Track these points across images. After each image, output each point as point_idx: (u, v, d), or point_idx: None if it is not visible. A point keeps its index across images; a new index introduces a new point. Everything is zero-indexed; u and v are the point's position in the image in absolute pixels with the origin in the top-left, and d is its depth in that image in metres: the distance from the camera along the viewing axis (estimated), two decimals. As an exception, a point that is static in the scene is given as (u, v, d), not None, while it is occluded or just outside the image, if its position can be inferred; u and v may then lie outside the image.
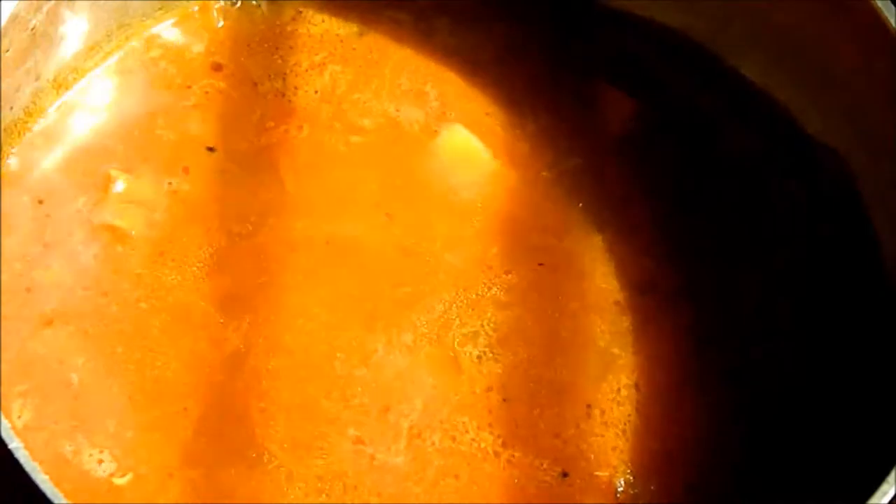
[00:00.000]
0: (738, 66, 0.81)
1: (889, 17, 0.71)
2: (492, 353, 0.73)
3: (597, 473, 0.71)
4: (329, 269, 0.74)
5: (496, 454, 0.71)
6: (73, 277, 0.73)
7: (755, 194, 0.79)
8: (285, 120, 0.79)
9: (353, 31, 0.82)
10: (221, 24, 0.82)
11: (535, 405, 0.72)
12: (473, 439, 0.71)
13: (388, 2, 0.83)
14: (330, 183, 0.77)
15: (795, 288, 0.76)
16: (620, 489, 0.71)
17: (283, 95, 0.80)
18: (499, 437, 0.71)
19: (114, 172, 0.76)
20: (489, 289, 0.75)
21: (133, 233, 0.75)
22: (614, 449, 0.72)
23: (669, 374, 0.74)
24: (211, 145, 0.78)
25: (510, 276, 0.76)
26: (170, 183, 0.77)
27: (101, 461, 0.69)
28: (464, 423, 0.71)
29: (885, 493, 0.62)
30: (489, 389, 0.72)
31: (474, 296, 0.75)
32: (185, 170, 0.77)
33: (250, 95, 0.80)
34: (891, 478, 0.62)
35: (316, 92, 0.80)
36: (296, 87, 0.80)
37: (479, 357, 0.73)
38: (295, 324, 0.73)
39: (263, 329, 0.73)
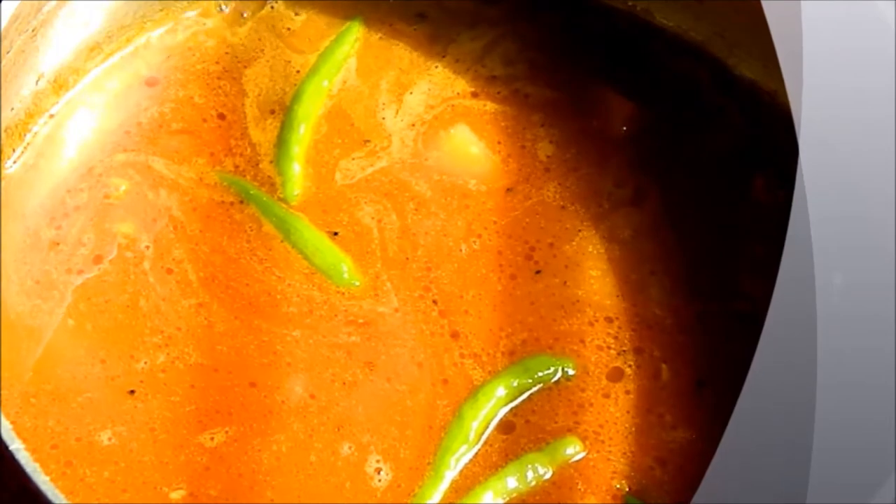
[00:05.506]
0: (739, 66, 0.81)
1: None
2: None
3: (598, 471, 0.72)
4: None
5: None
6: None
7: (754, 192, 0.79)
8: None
9: (375, 37, 0.83)
10: (223, 27, 0.82)
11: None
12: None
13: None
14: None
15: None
16: (618, 486, 0.71)
17: (285, 98, 0.80)
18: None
19: (115, 180, 0.77)
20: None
21: (138, 238, 0.75)
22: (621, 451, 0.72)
23: (669, 377, 0.74)
24: (213, 150, 0.78)
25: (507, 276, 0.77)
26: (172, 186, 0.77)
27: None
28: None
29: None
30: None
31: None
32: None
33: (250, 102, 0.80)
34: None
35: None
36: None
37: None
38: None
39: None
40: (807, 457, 0.70)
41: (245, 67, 0.81)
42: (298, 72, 0.81)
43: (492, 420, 0.72)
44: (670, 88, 0.81)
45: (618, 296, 0.76)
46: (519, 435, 0.72)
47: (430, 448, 0.71)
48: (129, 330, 0.73)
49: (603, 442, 0.72)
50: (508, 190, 0.79)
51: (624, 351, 0.74)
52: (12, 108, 0.75)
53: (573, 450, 0.71)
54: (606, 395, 0.73)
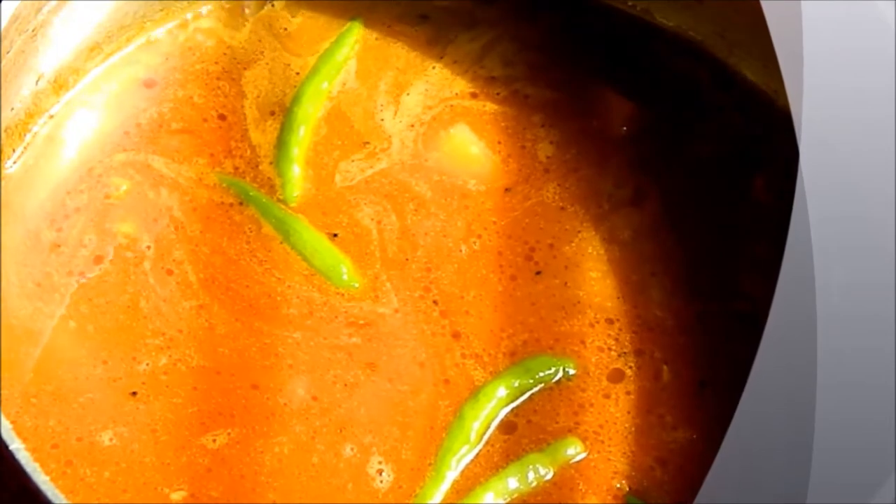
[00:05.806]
0: (739, 66, 0.81)
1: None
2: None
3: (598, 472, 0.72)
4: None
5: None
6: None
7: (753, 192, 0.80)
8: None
9: (375, 39, 0.83)
10: (223, 28, 0.82)
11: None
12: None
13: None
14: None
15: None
16: (618, 486, 0.71)
17: (284, 99, 0.80)
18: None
19: (116, 180, 0.77)
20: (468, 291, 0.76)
21: (139, 238, 0.75)
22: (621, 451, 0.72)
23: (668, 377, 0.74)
24: (213, 151, 0.78)
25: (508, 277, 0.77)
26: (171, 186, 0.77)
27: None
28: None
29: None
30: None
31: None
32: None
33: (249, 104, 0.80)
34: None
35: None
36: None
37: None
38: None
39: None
40: (807, 457, 0.70)
41: (244, 69, 0.81)
42: (298, 74, 0.81)
43: (493, 420, 0.72)
44: (670, 88, 0.82)
45: (618, 297, 0.76)
46: (520, 435, 0.72)
47: (432, 449, 0.71)
48: (131, 331, 0.73)
49: (603, 442, 0.72)
50: (508, 190, 0.79)
51: (625, 353, 0.74)
52: (12, 108, 0.75)
53: (574, 450, 0.71)
54: (607, 396, 0.73)
